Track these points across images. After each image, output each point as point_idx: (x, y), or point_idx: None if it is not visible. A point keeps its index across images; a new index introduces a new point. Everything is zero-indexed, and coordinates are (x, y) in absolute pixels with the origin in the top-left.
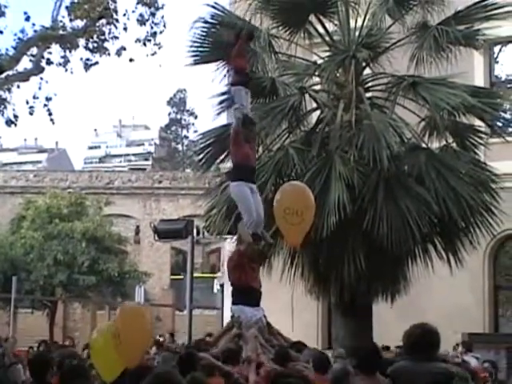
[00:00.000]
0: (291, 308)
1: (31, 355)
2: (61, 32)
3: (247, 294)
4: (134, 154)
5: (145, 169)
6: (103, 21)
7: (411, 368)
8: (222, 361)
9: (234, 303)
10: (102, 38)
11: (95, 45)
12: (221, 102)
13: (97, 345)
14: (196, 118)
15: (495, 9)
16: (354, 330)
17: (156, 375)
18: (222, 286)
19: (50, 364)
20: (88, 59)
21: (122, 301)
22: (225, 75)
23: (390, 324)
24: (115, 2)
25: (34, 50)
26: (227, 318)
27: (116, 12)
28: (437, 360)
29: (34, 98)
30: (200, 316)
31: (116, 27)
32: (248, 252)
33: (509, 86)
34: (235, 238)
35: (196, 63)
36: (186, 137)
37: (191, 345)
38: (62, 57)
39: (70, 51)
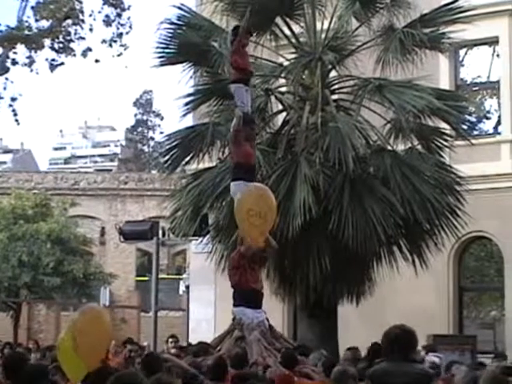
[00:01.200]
0: None
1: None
2: (26, 32)
3: (248, 296)
4: (99, 155)
5: (110, 170)
6: (69, 21)
7: (390, 369)
8: (230, 365)
9: (235, 305)
10: (68, 38)
11: (61, 45)
12: (187, 104)
13: (62, 346)
14: (162, 119)
15: (460, 12)
16: (320, 331)
17: (117, 377)
18: (187, 287)
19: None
20: (53, 60)
21: (87, 302)
22: (191, 77)
23: (354, 325)
24: (81, 3)
25: (0, 50)
26: (193, 320)
27: (82, 13)
28: (414, 361)
29: None
30: (165, 318)
31: (82, 28)
32: (249, 253)
33: (474, 88)
34: (199, 240)
35: (162, 64)
36: (152, 138)
37: (194, 349)
38: (28, 57)
39: (36, 51)
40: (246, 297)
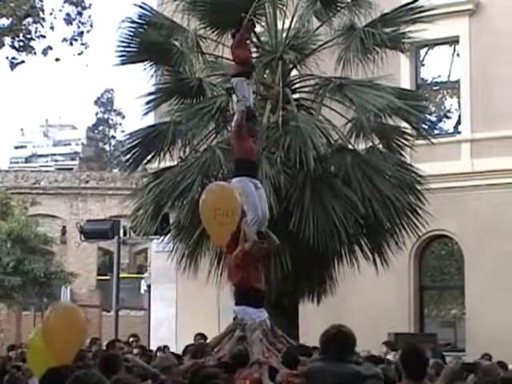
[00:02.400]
0: (217, 308)
1: None
2: None
3: (250, 295)
4: (60, 154)
5: (72, 169)
6: (29, 19)
7: (323, 368)
8: (231, 364)
9: (236, 304)
10: (29, 36)
11: (21, 43)
12: (148, 103)
13: (33, 344)
14: (123, 117)
15: (421, 12)
16: (281, 329)
17: (75, 377)
18: (149, 286)
19: None
20: (14, 58)
21: (48, 302)
22: (152, 75)
23: (316, 324)
24: (42, 1)
25: None
26: (154, 319)
27: (43, 11)
28: (350, 361)
29: None
30: (127, 317)
31: (42, 26)
32: (253, 251)
33: (434, 88)
34: (162, 239)
35: (123, 63)
36: (114, 137)
37: (192, 349)
38: None
39: None
40: (248, 296)
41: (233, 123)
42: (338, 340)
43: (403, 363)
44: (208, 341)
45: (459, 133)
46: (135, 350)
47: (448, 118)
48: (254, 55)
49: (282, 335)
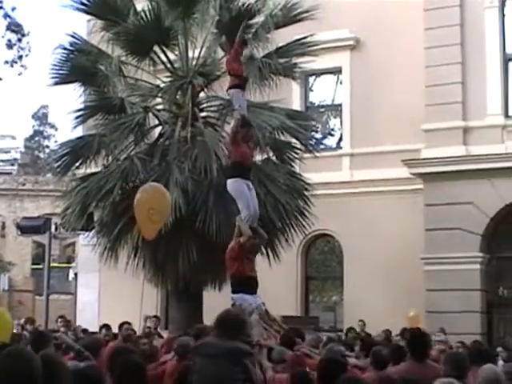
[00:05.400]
0: (141, 295)
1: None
2: None
3: (247, 283)
4: (1, 160)
5: (11, 173)
6: None
7: (211, 343)
8: None
9: (234, 292)
10: None
11: None
12: (77, 117)
13: None
14: (56, 130)
15: (310, 46)
16: (188, 313)
17: (8, 353)
18: (76, 274)
19: None
20: None
21: None
22: (81, 95)
23: (218, 309)
24: None
25: None
26: (80, 303)
27: None
28: (236, 339)
29: None
30: (57, 300)
31: None
32: (247, 244)
33: (321, 110)
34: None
35: (56, 83)
36: (48, 146)
37: (194, 332)
38: None
39: None
40: (245, 284)
41: (229, 130)
42: (225, 321)
43: (409, 346)
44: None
45: (341, 148)
46: (62, 329)
47: (331, 135)
48: (168, 79)
49: (274, 319)
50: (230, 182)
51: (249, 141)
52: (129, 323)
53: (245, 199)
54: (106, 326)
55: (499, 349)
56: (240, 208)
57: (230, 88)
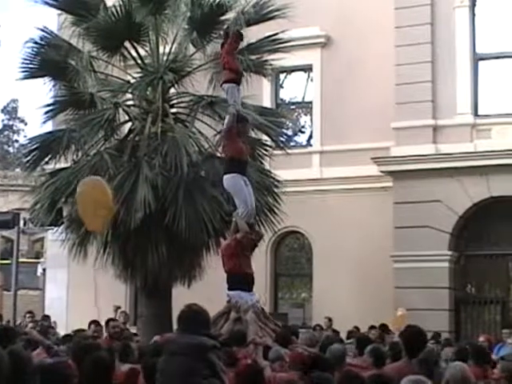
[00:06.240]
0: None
1: None
2: None
3: (243, 280)
4: None
5: None
6: None
7: (175, 338)
8: (229, 342)
9: (230, 289)
10: None
11: None
12: (47, 112)
13: None
14: (26, 124)
15: (281, 43)
16: (156, 309)
17: None
18: (44, 270)
19: None
20: None
21: None
22: (51, 89)
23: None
24: None
25: None
26: (48, 298)
27: None
28: (199, 334)
29: None
30: (25, 295)
31: None
32: (244, 241)
33: (291, 107)
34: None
35: (26, 78)
36: (17, 141)
37: None
38: None
39: None
40: (241, 281)
41: (224, 126)
42: (188, 316)
43: (405, 344)
44: None
45: (311, 145)
46: (30, 325)
47: (302, 132)
48: (138, 75)
49: (269, 317)
50: (226, 177)
51: (243, 136)
52: (96, 322)
53: (242, 195)
54: (96, 322)
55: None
56: (237, 204)
57: (224, 82)
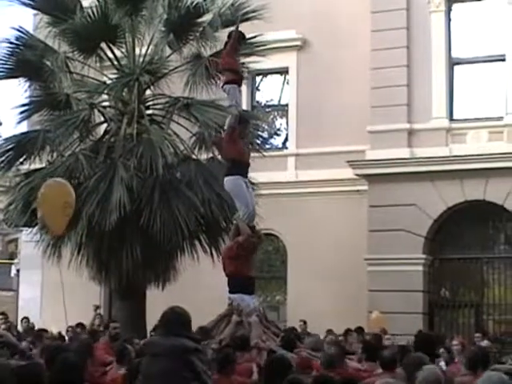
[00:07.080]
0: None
1: None
2: None
3: (245, 283)
4: None
5: None
6: None
7: (157, 340)
8: (232, 347)
9: (232, 292)
10: None
11: None
12: (22, 112)
13: None
14: (0, 124)
15: (257, 46)
16: (131, 311)
17: None
18: (18, 271)
19: None
20: None
21: None
22: (26, 89)
23: (161, 307)
24: None
25: None
26: (22, 299)
27: None
28: (181, 336)
29: None
30: None
31: None
32: (246, 244)
33: (267, 110)
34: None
35: (1, 78)
36: None
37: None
38: None
39: None
40: (243, 284)
41: (225, 127)
42: (170, 318)
43: (416, 347)
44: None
45: (286, 148)
46: (3, 326)
47: (277, 135)
48: (114, 76)
49: (271, 321)
50: (227, 179)
51: (244, 137)
52: (116, 321)
53: (243, 197)
54: (81, 325)
55: (441, 350)
56: (238, 206)
57: (225, 83)
